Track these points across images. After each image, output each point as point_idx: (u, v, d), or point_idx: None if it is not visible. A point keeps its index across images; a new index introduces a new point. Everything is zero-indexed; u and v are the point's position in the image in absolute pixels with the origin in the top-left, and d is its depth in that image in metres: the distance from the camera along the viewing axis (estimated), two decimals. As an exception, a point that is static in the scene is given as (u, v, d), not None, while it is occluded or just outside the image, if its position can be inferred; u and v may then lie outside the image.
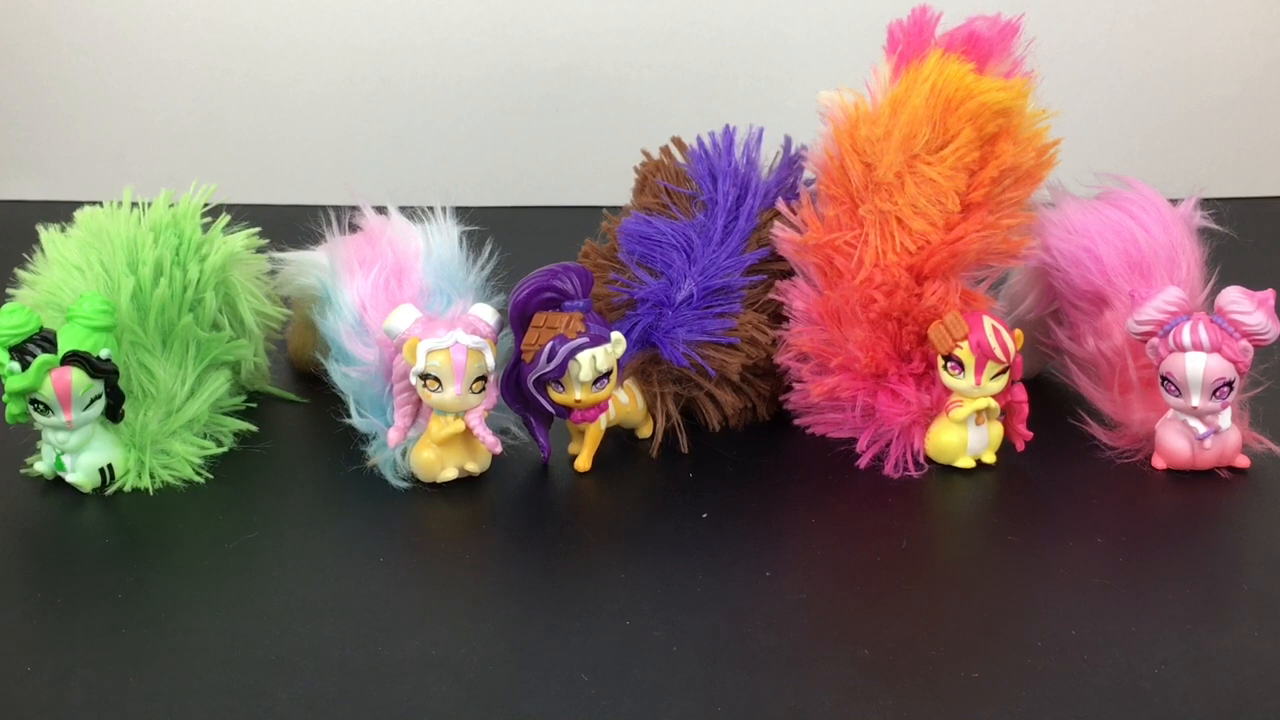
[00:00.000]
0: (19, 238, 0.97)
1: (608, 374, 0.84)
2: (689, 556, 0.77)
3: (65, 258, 0.88)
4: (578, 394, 0.83)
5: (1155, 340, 0.85)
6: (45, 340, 0.81)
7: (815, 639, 0.70)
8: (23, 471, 0.87)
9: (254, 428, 0.92)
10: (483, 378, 0.82)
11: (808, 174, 0.95)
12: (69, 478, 0.84)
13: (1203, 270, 0.93)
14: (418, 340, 0.81)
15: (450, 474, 0.85)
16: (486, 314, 0.84)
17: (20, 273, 0.91)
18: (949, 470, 0.88)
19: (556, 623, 0.71)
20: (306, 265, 0.95)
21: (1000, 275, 0.96)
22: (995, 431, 0.88)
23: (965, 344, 0.84)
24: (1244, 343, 0.83)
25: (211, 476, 0.87)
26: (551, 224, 1.41)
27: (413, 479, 0.85)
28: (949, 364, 0.85)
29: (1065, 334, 0.95)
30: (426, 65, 1.44)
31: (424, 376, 0.81)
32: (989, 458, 0.88)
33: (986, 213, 0.87)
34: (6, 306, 0.81)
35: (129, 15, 1.43)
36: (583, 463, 0.87)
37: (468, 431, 0.84)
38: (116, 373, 0.82)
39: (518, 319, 0.84)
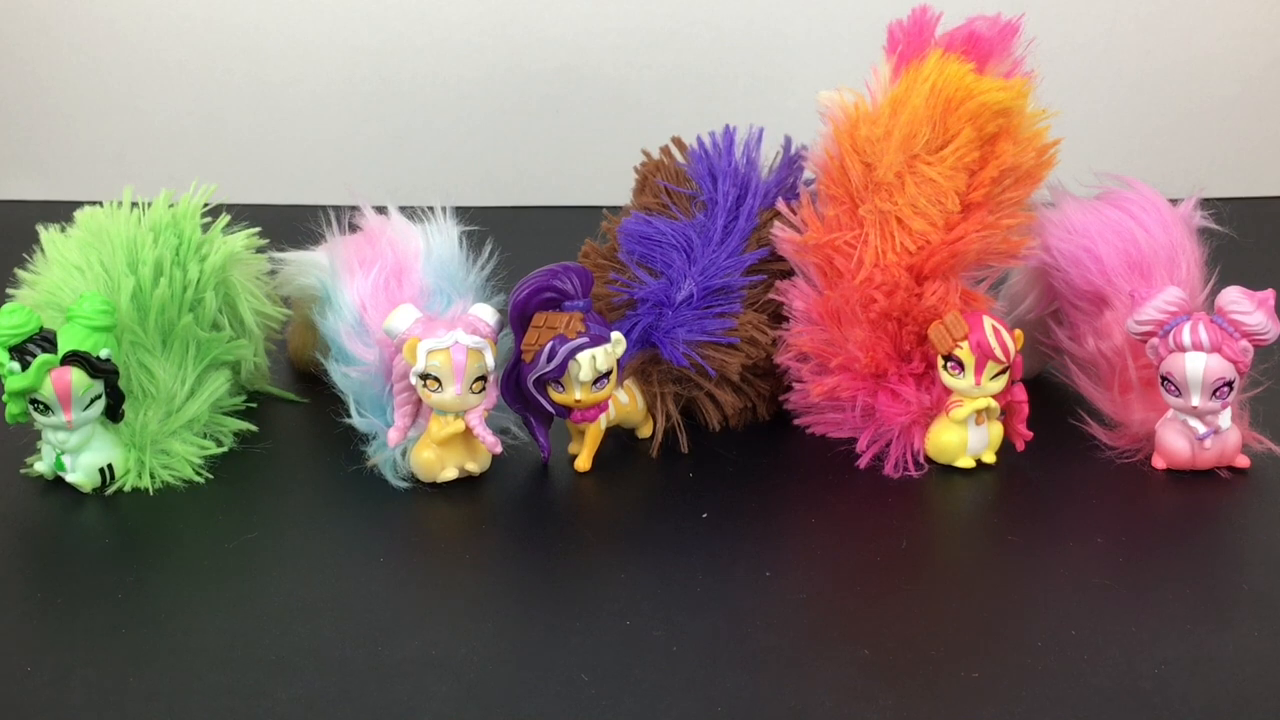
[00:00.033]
0: (19, 238, 0.97)
1: (608, 374, 0.84)
2: (689, 556, 0.77)
3: (65, 258, 0.88)
4: (578, 394, 0.83)
5: (1155, 340, 0.85)
6: (45, 340, 0.81)
7: (815, 639, 0.70)
8: (23, 471, 0.87)
9: (254, 428, 0.92)
10: (483, 378, 0.82)
11: (808, 174, 0.95)
12: (69, 478, 0.84)
13: (1203, 270, 0.93)
14: (418, 340, 0.81)
15: (450, 474, 0.85)
16: (486, 314, 0.84)
17: (20, 273, 0.91)
18: (949, 470, 0.88)
19: (556, 623, 0.71)
20: (306, 265, 0.95)
21: (1000, 275, 0.96)
22: (995, 431, 0.88)
23: (965, 344, 0.84)
24: (1244, 343, 0.83)
25: (211, 476, 0.87)
26: (551, 224, 1.41)
27: (413, 479, 0.85)
28: (949, 364, 0.85)
29: (1065, 334, 0.95)
30: (426, 65, 1.44)
31: (424, 376, 0.81)
32: (989, 458, 0.88)
33: (986, 213, 0.87)
34: (6, 306, 0.81)
35: (129, 15, 1.43)
36: (583, 463, 0.87)
37: (468, 431, 0.84)
38: (116, 373, 0.82)
39: (518, 319, 0.84)
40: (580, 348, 0.82)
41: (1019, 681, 0.66)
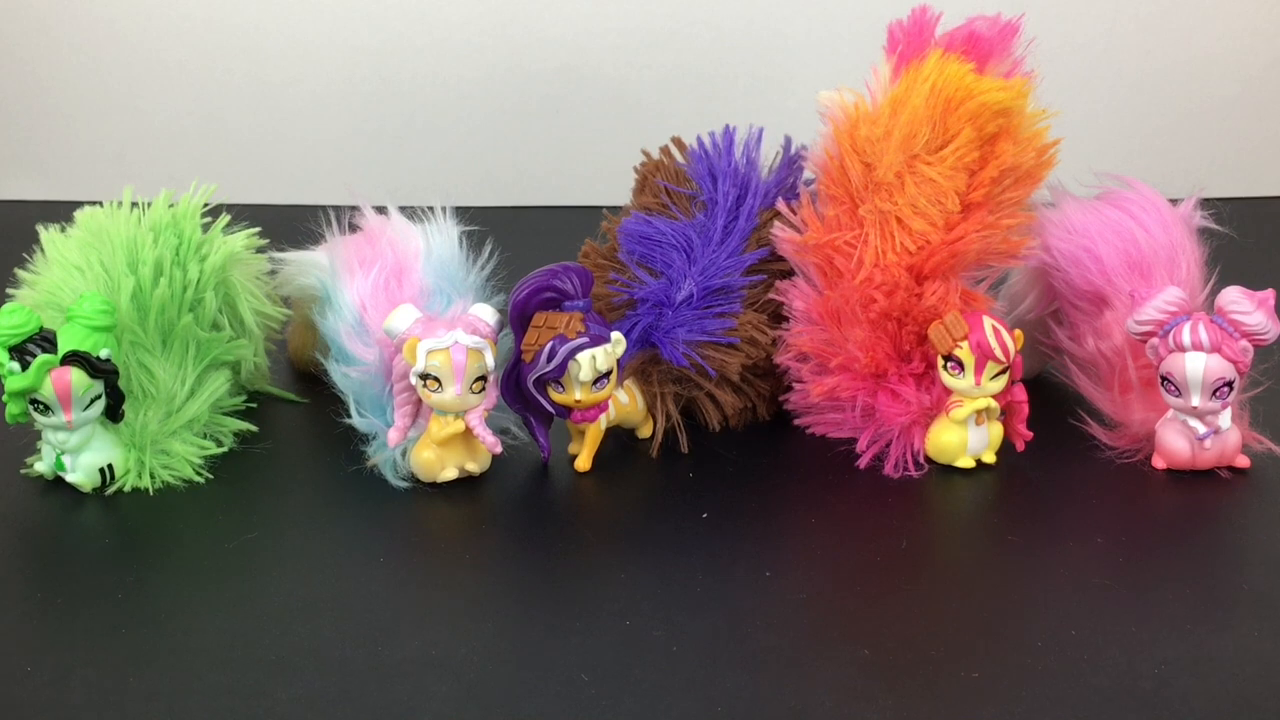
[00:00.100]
0: (19, 238, 0.97)
1: (608, 374, 0.84)
2: (689, 556, 0.77)
3: (65, 258, 0.88)
4: (578, 394, 0.83)
5: (1155, 340, 0.85)
6: (45, 340, 0.81)
7: (815, 639, 0.70)
8: (23, 471, 0.87)
9: (254, 428, 0.92)
10: (483, 378, 0.82)
11: (808, 174, 0.95)
12: (69, 478, 0.84)
13: (1203, 270, 0.93)
14: (418, 340, 0.81)
15: (450, 474, 0.85)
16: (486, 314, 0.84)
17: (20, 273, 0.91)
18: (949, 470, 0.88)
19: (556, 623, 0.71)
20: (306, 265, 0.95)
21: (1000, 275, 0.96)
22: (995, 431, 0.88)
23: (965, 344, 0.84)
24: (1244, 343, 0.83)
25: (211, 476, 0.87)
26: (551, 224, 1.41)
27: (413, 479, 0.85)
28: (949, 364, 0.85)
29: (1065, 334, 0.95)
30: (426, 65, 1.44)
31: (424, 376, 0.81)
32: (989, 458, 0.88)
33: (986, 213, 0.87)
34: (6, 306, 0.81)
35: (129, 15, 1.43)
36: (583, 463, 0.87)
37: (468, 431, 0.84)
38: (116, 373, 0.82)
39: (518, 319, 0.84)
40: (580, 348, 0.82)
41: (1019, 681, 0.66)
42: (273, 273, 0.99)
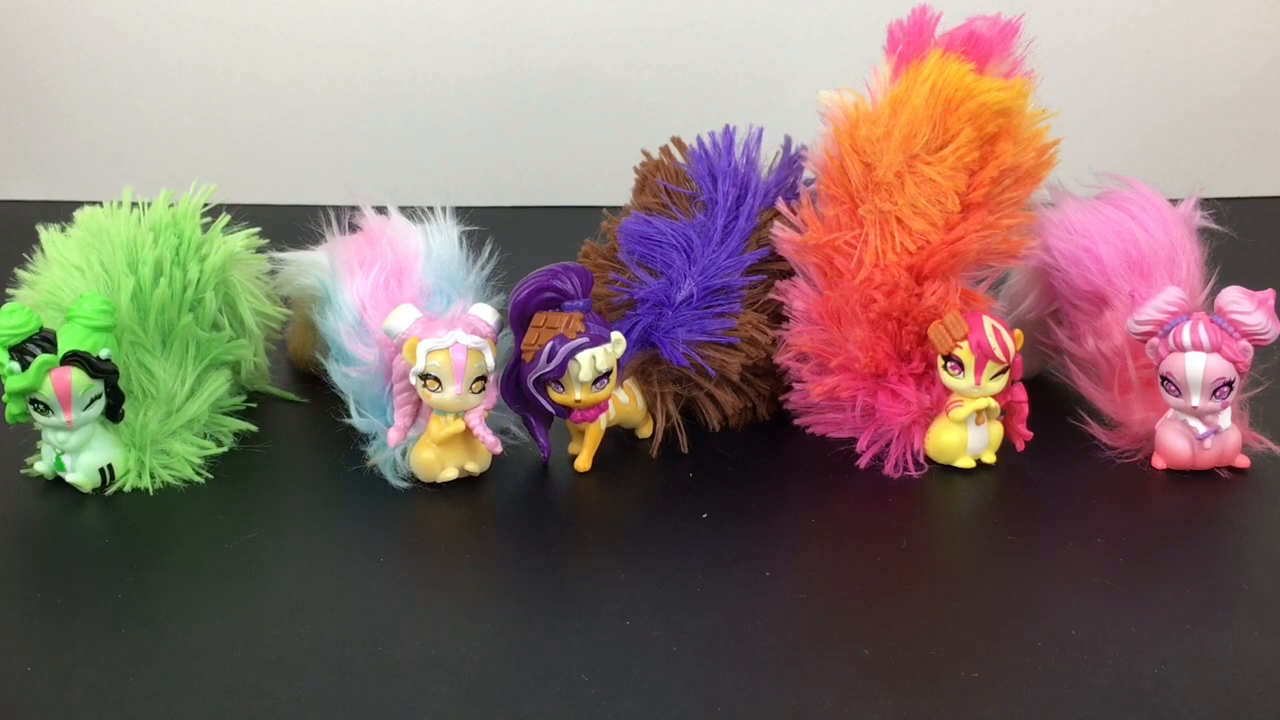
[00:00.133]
0: (19, 238, 0.97)
1: (608, 374, 0.84)
2: (689, 556, 0.77)
3: (65, 258, 0.88)
4: (578, 394, 0.83)
5: (1155, 340, 0.85)
6: (45, 340, 0.81)
7: (815, 639, 0.70)
8: (23, 471, 0.87)
9: (254, 428, 0.92)
10: (483, 378, 0.82)
11: (808, 174, 0.95)
12: (69, 478, 0.84)
13: (1203, 270, 0.93)
14: (418, 340, 0.81)
15: (450, 474, 0.85)
16: (486, 314, 0.84)
17: (20, 273, 0.91)
18: (949, 470, 0.88)
19: (556, 623, 0.71)
20: (306, 265, 0.95)
21: (1000, 275, 0.96)
22: (995, 431, 0.88)
23: (965, 344, 0.84)
24: (1244, 343, 0.83)
25: (211, 476, 0.87)
26: (551, 224, 1.41)
27: (413, 479, 0.85)
28: (949, 364, 0.85)
29: (1065, 334, 0.95)
30: (426, 65, 1.44)
31: (424, 376, 0.81)
32: (989, 458, 0.88)
33: (986, 213, 0.87)
34: (6, 306, 0.81)
35: (129, 15, 1.43)
36: (583, 463, 0.87)
37: (468, 431, 0.84)
38: (116, 373, 0.82)
39: (518, 319, 0.84)
40: (580, 348, 0.82)
41: (1019, 681, 0.66)
42: (273, 273, 0.99)
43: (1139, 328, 0.85)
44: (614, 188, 1.12)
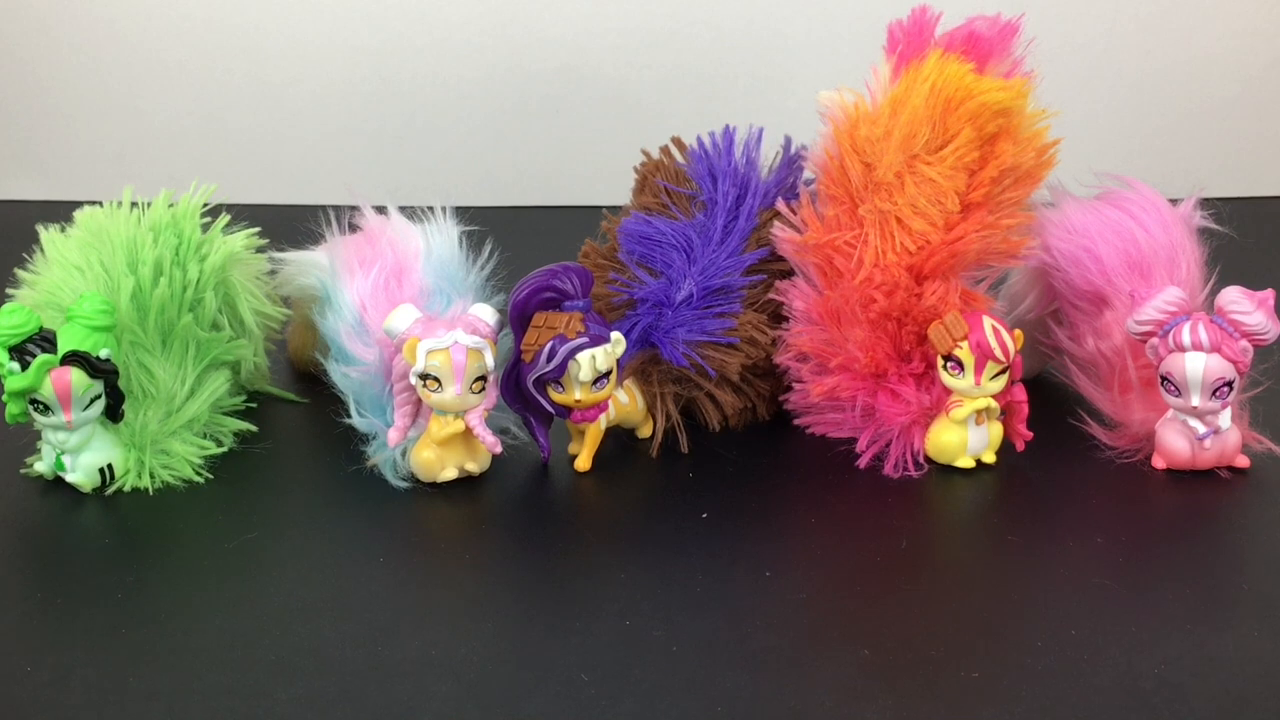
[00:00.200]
0: (19, 238, 0.97)
1: (607, 374, 0.84)
2: (689, 556, 0.77)
3: (65, 258, 0.88)
4: (578, 394, 0.83)
5: (1155, 340, 0.85)
6: (45, 340, 0.81)
7: (815, 639, 0.70)
8: (23, 471, 0.87)
9: (254, 428, 0.92)
10: (483, 378, 0.82)
11: (808, 174, 0.95)
12: (69, 478, 0.84)
13: (1203, 270, 0.93)
14: (417, 340, 0.81)
15: (450, 474, 0.85)
16: (486, 314, 0.84)
17: (20, 273, 0.91)
18: (949, 470, 0.88)
19: (556, 623, 0.71)
20: (306, 265, 0.95)
21: (1000, 275, 0.96)
22: (995, 431, 0.88)
23: (965, 344, 0.84)
24: (1244, 343, 0.83)
25: (211, 476, 0.87)
26: (551, 224, 1.41)
27: (413, 479, 0.85)
28: (949, 364, 0.85)
29: (1065, 334, 0.95)
30: (426, 65, 1.44)
31: (424, 376, 0.81)
32: (989, 458, 0.88)
33: (986, 213, 0.87)
34: (6, 306, 0.81)
35: (129, 15, 1.43)
36: (583, 463, 0.87)
37: (468, 431, 0.84)
38: (116, 373, 0.82)
39: (518, 319, 0.84)
40: (580, 348, 0.82)
41: (1019, 681, 0.66)
42: (273, 273, 0.99)
43: (1139, 328, 0.85)
44: (614, 188, 1.12)
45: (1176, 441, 0.86)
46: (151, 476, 0.85)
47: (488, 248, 0.92)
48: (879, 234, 0.87)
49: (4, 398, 0.81)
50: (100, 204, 0.93)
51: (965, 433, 0.86)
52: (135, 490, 0.85)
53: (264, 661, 0.68)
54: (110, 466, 0.84)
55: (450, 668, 0.67)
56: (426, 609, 0.73)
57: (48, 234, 0.91)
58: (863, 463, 0.88)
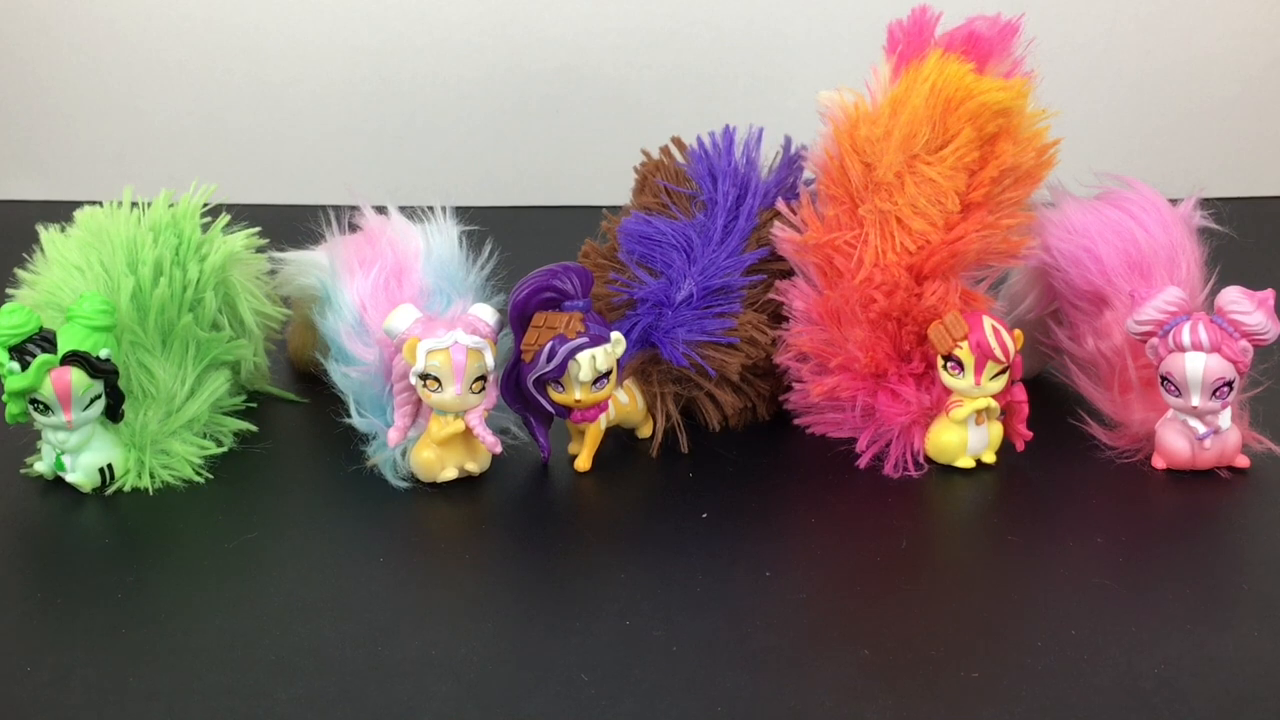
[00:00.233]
0: (19, 238, 0.97)
1: (607, 374, 0.84)
2: (689, 556, 0.77)
3: (65, 258, 0.88)
4: (578, 394, 0.83)
5: (1155, 340, 0.85)
6: (45, 340, 0.81)
7: (815, 639, 0.70)
8: (23, 471, 0.87)
9: (254, 428, 0.92)
10: (483, 378, 0.82)
11: (808, 174, 0.95)
12: (69, 478, 0.84)
13: (1203, 270, 0.93)
14: (417, 340, 0.81)
15: (450, 474, 0.85)
16: (486, 314, 0.84)
17: (20, 273, 0.91)
18: (949, 470, 0.88)
19: (556, 623, 0.71)
20: (306, 265, 0.95)
21: (1000, 275, 0.96)
22: (995, 431, 0.88)
23: (965, 344, 0.84)
24: (1244, 343, 0.83)
25: (211, 476, 0.87)
26: (551, 224, 1.41)
27: (413, 479, 0.85)
28: (949, 364, 0.85)
29: (1065, 334, 0.95)
30: (426, 65, 1.44)
31: (424, 376, 0.81)
32: (989, 458, 0.88)
33: (986, 213, 0.87)
34: (6, 306, 0.81)
35: (129, 15, 1.43)
36: (583, 463, 0.87)
37: (468, 431, 0.84)
38: (116, 373, 0.82)
39: (518, 319, 0.84)
40: (580, 348, 0.82)
41: (1019, 681, 0.66)
42: (273, 273, 0.99)
43: (1139, 328, 0.85)
44: (614, 188, 1.12)
45: (1176, 441, 0.86)
46: (151, 476, 0.85)
47: (488, 248, 0.92)
48: (879, 234, 0.87)
49: (4, 398, 0.81)
50: (100, 204, 0.93)
51: (965, 433, 0.86)
52: (135, 490, 0.85)
53: (264, 661, 0.68)
54: (110, 466, 0.84)
55: (450, 668, 0.67)
56: (426, 609, 0.73)
57: (48, 234, 0.91)
58: (863, 463, 0.88)
